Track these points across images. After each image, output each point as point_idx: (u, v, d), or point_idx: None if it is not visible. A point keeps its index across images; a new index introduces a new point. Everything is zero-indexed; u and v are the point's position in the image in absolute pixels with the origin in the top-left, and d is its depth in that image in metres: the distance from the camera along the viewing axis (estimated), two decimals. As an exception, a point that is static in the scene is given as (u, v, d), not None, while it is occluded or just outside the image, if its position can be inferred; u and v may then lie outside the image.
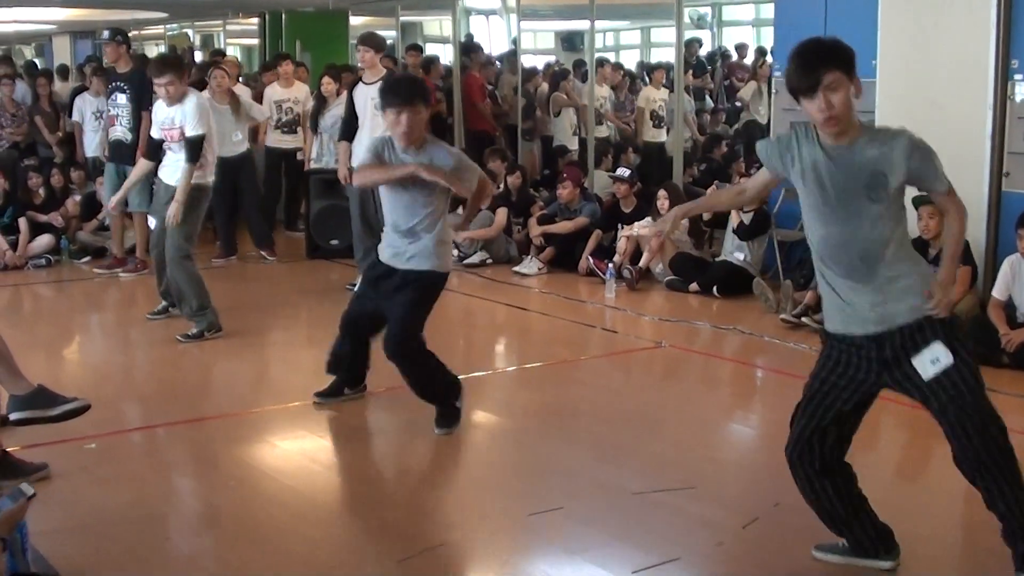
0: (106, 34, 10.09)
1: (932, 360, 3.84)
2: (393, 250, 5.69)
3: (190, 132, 7.58)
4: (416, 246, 5.62)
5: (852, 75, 3.79)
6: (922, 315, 3.81)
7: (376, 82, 9.17)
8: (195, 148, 7.61)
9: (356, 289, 6.45)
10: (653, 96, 13.88)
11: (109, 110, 10.23)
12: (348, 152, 9.26)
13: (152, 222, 8.09)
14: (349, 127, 9.34)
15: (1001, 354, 7.02)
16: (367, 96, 9.06)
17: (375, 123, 9.09)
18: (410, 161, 5.52)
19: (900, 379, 3.92)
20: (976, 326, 7.36)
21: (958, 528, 4.86)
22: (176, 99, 7.63)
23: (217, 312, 7.85)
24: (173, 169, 7.73)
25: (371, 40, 9.42)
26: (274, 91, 12.02)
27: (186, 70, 7.98)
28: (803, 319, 8.07)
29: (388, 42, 17.42)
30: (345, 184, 9.29)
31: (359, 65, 9.59)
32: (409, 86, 5.78)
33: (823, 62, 3.80)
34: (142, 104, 9.74)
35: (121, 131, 10.06)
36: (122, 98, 10.02)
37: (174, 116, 7.65)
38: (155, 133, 7.96)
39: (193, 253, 7.80)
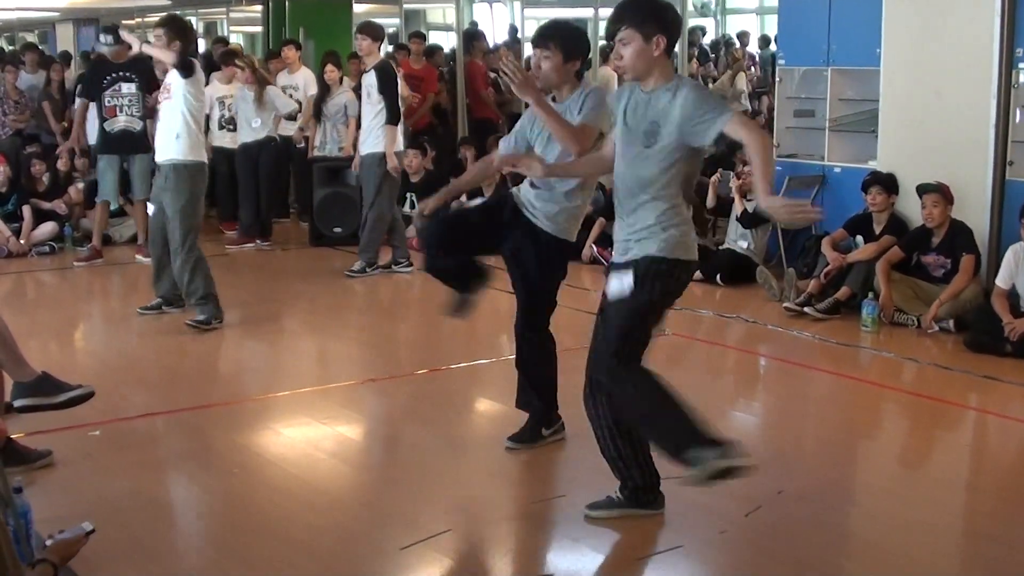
0: (110, 39, 9.89)
1: (617, 281, 4.26)
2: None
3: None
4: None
5: (651, 32, 4.14)
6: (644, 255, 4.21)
7: (369, 70, 9.35)
8: (186, 62, 7.52)
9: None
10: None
11: (108, 101, 10.06)
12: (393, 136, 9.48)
13: (151, 208, 8.07)
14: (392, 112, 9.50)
15: (1004, 343, 7.02)
16: (365, 83, 9.35)
17: (366, 110, 9.43)
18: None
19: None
20: (979, 315, 7.36)
21: (959, 515, 4.86)
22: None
23: (219, 300, 7.84)
24: (164, 148, 7.66)
25: (369, 29, 9.57)
26: (278, 78, 12.01)
27: (186, 34, 7.82)
28: (806, 308, 8.07)
29: (391, 30, 17.43)
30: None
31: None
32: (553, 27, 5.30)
33: (618, 18, 4.24)
34: (150, 89, 9.76)
35: (126, 120, 10.02)
36: (128, 87, 10.00)
37: (170, 81, 7.64)
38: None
39: (197, 240, 7.74)
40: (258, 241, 11.20)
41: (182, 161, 7.52)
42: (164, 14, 8.41)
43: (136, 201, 10.29)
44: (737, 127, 4.07)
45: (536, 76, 5.02)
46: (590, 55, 5.22)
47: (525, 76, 4.86)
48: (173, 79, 7.54)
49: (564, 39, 5.03)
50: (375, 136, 9.41)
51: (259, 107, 10.98)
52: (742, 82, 14.71)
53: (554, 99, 5.06)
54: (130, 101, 10.02)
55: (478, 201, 5.51)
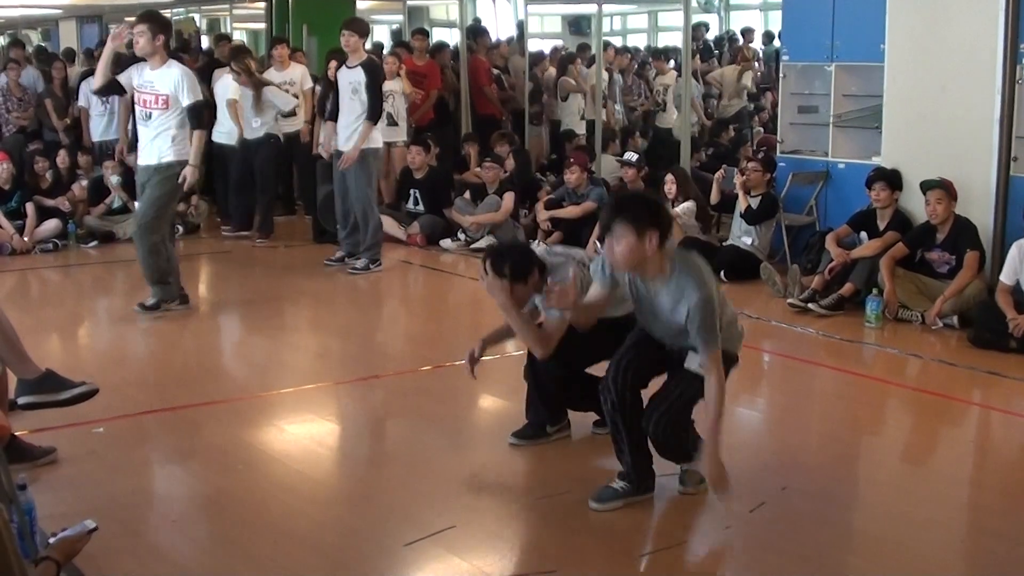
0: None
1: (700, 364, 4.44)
2: None
3: (188, 101, 7.60)
4: None
5: (644, 231, 4.24)
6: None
7: (356, 66, 9.32)
8: (198, 114, 7.67)
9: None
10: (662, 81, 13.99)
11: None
12: (332, 132, 9.70)
13: (137, 206, 8.12)
14: (334, 108, 9.69)
15: (1009, 339, 7.01)
16: (346, 80, 9.30)
17: (351, 106, 9.44)
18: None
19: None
20: (983, 311, 7.35)
21: (963, 511, 4.86)
22: (147, 53, 7.61)
23: (179, 285, 8.00)
24: (151, 149, 7.71)
25: (355, 25, 9.62)
26: (270, 75, 12.02)
27: (167, 31, 7.91)
28: (810, 304, 8.07)
29: (394, 26, 17.44)
30: (329, 162, 9.82)
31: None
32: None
33: (616, 214, 4.31)
34: None
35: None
36: None
37: (153, 79, 7.64)
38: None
39: (161, 227, 7.84)
40: (259, 239, 11.22)
41: (176, 161, 7.67)
42: (144, 9, 8.42)
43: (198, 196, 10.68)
44: (709, 367, 4.35)
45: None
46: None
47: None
48: (169, 92, 7.59)
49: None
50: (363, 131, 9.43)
51: (258, 108, 11.07)
52: (748, 79, 14.69)
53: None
54: None
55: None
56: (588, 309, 4.61)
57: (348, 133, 9.48)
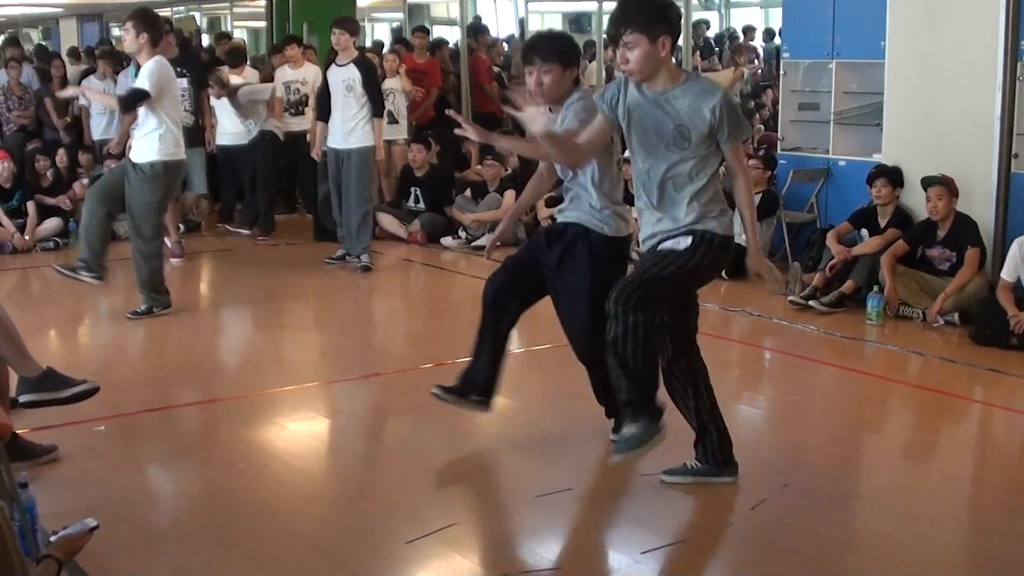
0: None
1: (674, 241, 4.37)
2: None
3: (134, 85, 7.65)
4: None
5: (657, 35, 4.19)
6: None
7: (347, 64, 9.31)
8: (128, 100, 7.66)
9: None
10: None
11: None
12: (324, 132, 9.65)
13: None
14: (324, 107, 9.64)
15: (1010, 336, 7.01)
16: (338, 78, 9.29)
17: (346, 104, 9.37)
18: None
19: None
20: (985, 308, 7.35)
21: (965, 509, 4.86)
22: (133, 51, 7.69)
23: (167, 290, 8.03)
24: (140, 146, 7.70)
25: (346, 23, 9.59)
26: (284, 72, 12.02)
27: (158, 30, 7.89)
28: (811, 301, 8.07)
29: (395, 24, 17.43)
30: (320, 162, 9.88)
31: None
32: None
33: (625, 21, 4.21)
34: (202, 84, 9.94)
35: (184, 116, 10.12)
36: (181, 82, 10.08)
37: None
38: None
39: (154, 230, 7.87)
40: (259, 237, 11.24)
41: (162, 160, 7.64)
42: (136, 7, 8.43)
43: (199, 195, 10.71)
44: (740, 152, 4.41)
45: (539, 92, 4.80)
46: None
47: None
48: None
49: (561, 50, 4.85)
50: (362, 130, 9.41)
51: (244, 112, 11.19)
52: (739, 86, 14.71)
53: (550, 110, 4.85)
54: (183, 96, 10.11)
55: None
56: (588, 142, 4.54)
57: (346, 130, 9.41)
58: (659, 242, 4.41)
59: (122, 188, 7.72)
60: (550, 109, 4.86)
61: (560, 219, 5.03)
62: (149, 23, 7.67)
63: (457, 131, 4.66)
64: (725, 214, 4.43)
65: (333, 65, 9.53)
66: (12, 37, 15.18)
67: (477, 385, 5.19)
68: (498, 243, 5.47)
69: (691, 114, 4.25)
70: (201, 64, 9.75)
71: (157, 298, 7.91)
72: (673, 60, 4.33)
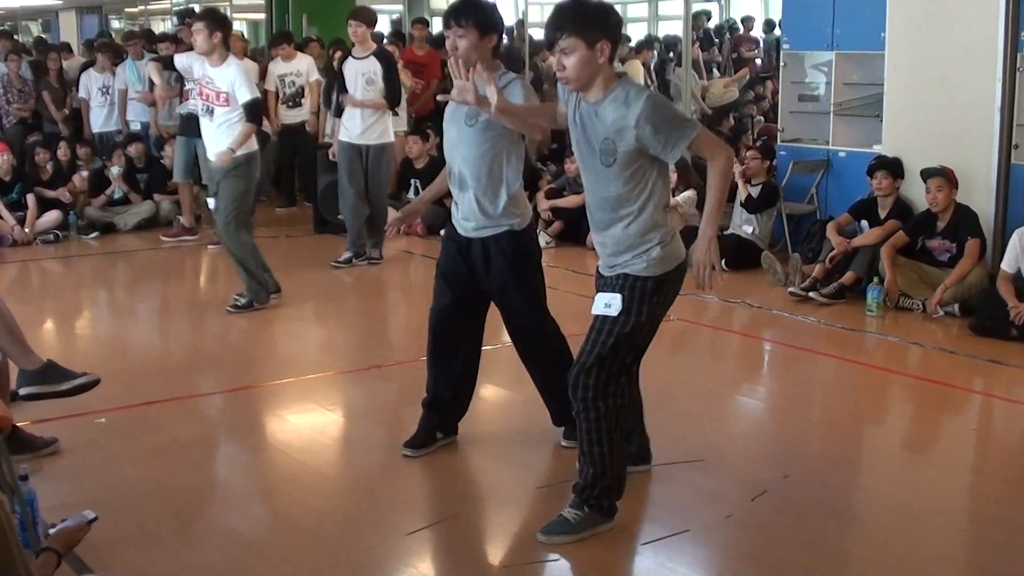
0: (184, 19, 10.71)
1: (605, 304, 4.11)
2: None
3: (246, 97, 7.58)
4: None
5: (595, 40, 3.91)
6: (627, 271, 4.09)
7: (367, 56, 9.25)
8: (254, 110, 7.66)
9: None
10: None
11: (184, 85, 10.22)
12: (338, 127, 9.56)
13: (211, 203, 8.09)
14: (339, 102, 9.55)
15: (1010, 327, 7.01)
16: (357, 71, 9.20)
17: (371, 95, 9.21)
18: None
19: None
20: (985, 299, 7.35)
21: (964, 499, 4.86)
22: (206, 53, 7.60)
23: (268, 284, 8.00)
24: (215, 144, 7.70)
25: (363, 15, 9.49)
26: (276, 66, 12.01)
27: (229, 28, 7.91)
28: (811, 293, 8.06)
29: (395, 16, 17.39)
30: (334, 159, 9.70)
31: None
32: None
33: (560, 26, 3.95)
34: None
35: (193, 104, 10.17)
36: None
37: (213, 76, 7.64)
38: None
39: (246, 221, 7.85)
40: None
41: (244, 154, 7.66)
42: (203, 7, 8.46)
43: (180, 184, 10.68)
44: (702, 145, 4.07)
45: (454, 56, 4.62)
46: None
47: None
48: (230, 90, 7.57)
49: (477, 13, 4.74)
50: (383, 125, 9.37)
51: None
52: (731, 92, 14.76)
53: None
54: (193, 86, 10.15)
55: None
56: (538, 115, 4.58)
57: (366, 124, 9.30)
58: (602, 284, 4.23)
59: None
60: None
61: (462, 232, 4.95)
62: (220, 22, 7.72)
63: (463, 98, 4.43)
64: (667, 242, 4.10)
65: (350, 58, 9.40)
66: (3, 31, 15.13)
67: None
68: (403, 224, 5.53)
69: (616, 126, 3.96)
70: None
71: (259, 290, 7.95)
72: (614, 67, 4.06)
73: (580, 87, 4.02)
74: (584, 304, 4.90)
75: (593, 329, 4.12)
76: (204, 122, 7.80)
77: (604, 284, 4.20)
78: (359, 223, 9.56)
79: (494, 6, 4.95)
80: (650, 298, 4.08)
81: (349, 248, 9.62)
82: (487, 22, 4.75)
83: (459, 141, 4.83)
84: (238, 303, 7.86)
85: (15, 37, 16.35)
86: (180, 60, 8.05)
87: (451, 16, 4.74)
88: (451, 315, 5.04)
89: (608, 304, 4.09)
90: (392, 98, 9.33)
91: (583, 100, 4.06)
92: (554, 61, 4.05)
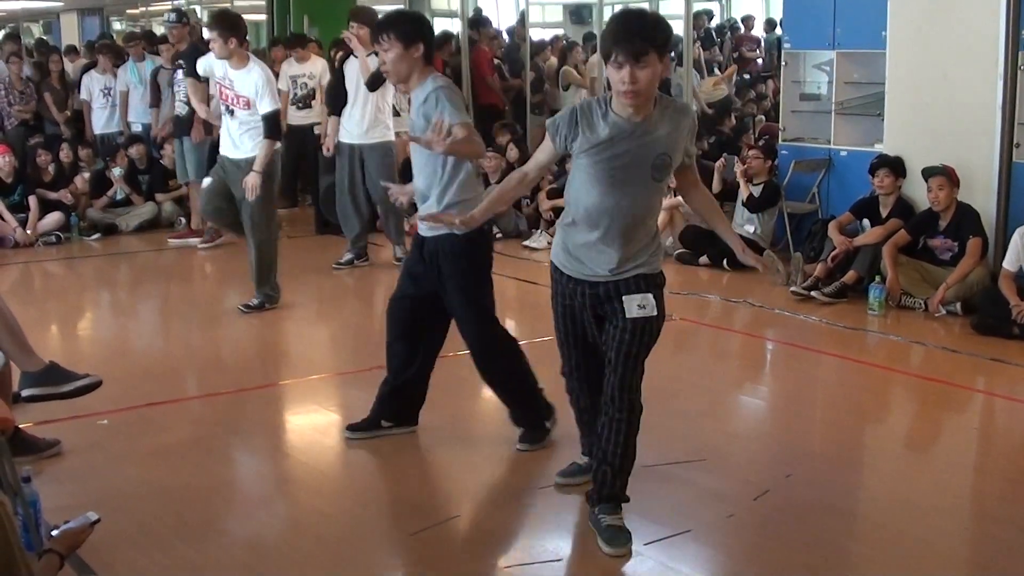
0: (172, 16, 10.72)
1: (640, 305, 4.13)
2: None
3: (266, 109, 7.56)
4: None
5: (664, 55, 3.88)
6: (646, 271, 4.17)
7: (369, 56, 9.21)
8: (273, 124, 7.63)
9: None
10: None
11: (175, 87, 10.40)
12: (336, 125, 9.51)
13: (205, 182, 8.08)
14: (338, 101, 9.51)
15: (1012, 325, 7.01)
16: (358, 70, 9.16)
17: (366, 98, 9.19)
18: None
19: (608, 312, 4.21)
20: (986, 297, 7.35)
21: (967, 498, 4.86)
22: (227, 58, 7.60)
23: (279, 286, 8.04)
24: (240, 143, 7.70)
25: (363, 15, 9.45)
26: (290, 67, 12.02)
27: (243, 31, 7.89)
28: (813, 292, 8.06)
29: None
30: (329, 156, 9.74)
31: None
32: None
33: (642, 37, 3.80)
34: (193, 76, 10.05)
35: (178, 106, 10.35)
36: (179, 73, 10.22)
37: (234, 79, 7.63)
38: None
39: (270, 223, 7.88)
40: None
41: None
42: (216, 10, 8.44)
43: (192, 184, 10.56)
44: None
45: (385, 72, 5.05)
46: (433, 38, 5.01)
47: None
48: (251, 94, 7.57)
49: (399, 25, 4.94)
50: (384, 125, 9.36)
51: None
52: (721, 90, 14.75)
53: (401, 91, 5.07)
54: (179, 87, 10.29)
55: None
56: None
57: (365, 125, 9.28)
58: (610, 289, 4.20)
59: (227, 189, 7.77)
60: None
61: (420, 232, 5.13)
62: (233, 26, 7.70)
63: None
64: (657, 241, 4.30)
65: (352, 57, 9.36)
66: (11, 33, 15.18)
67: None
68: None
69: (672, 139, 4.03)
70: (197, 56, 9.88)
71: (272, 293, 7.98)
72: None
73: (641, 103, 3.88)
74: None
75: (627, 331, 4.13)
76: (224, 119, 7.80)
77: (619, 288, 4.15)
78: (359, 224, 9.54)
79: (419, 16, 5.23)
80: (662, 291, 4.23)
81: (350, 249, 9.61)
82: (410, 32, 4.92)
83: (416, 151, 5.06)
84: (251, 304, 7.86)
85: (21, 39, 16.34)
86: (202, 65, 8.06)
87: (376, 32, 4.99)
88: (405, 306, 5.23)
89: (643, 306, 4.14)
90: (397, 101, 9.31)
91: (617, 121, 3.93)
92: (623, 74, 3.78)
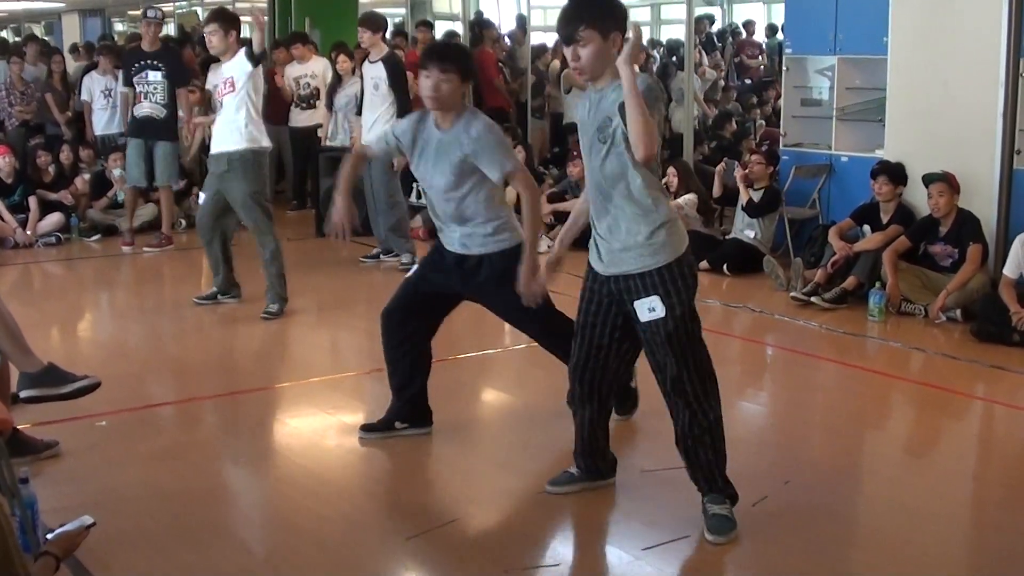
0: (150, 13, 10.58)
1: (649, 308, 4.23)
2: None
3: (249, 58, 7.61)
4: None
5: (608, 32, 4.02)
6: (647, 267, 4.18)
7: (376, 61, 9.27)
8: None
9: None
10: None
11: (137, 88, 10.30)
12: (361, 127, 9.53)
13: (201, 196, 8.09)
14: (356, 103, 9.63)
15: (1012, 332, 7.01)
16: (368, 75, 9.25)
17: (372, 102, 9.29)
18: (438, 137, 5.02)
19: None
20: (987, 304, 7.35)
21: (966, 505, 4.85)
22: (220, 51, 7.67)
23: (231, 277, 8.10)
24: (221, 136, 7.70)
25: (369, 21, 9.53)
26: (292, 68, 12.02)
27: (239, 26, 7.95)
28: (813, 297, 8.06)
29: (397, 19, 17.41)
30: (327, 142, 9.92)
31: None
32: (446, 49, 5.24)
33: (575, 18, 4.05)
34: (179, 82, 10.04)
35: (151, 107, 10.24)
36: (154, 75, 10.17)
37: (224, 71, 7.70)
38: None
39: (273, 224, 7.87)
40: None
41: (250, 148, 7.63)
42: (213, 7, 8.49)
43: (161, 187, 10.57)
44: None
45: (433, 97, 4.88)
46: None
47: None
48: (235, 73, 7.60)
49: (463, 60, 4.96)
50: (385, 127, 9.33)
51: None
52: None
53: (438, 125, 4.95)
54: (154, 89, 10.20)
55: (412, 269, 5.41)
56: None
57: (367, 129, 9.28)
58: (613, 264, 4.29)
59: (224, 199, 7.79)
60: (437, 124, 4.98)
61: (453, 250, 5.12)
62: (232, 20, 7.80)
63: None
64: (667, 227, 4.20)
65: (366, 62, 9.49)
66: (33, 35, 15.21)
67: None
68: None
69: (616, 103, 4.06)
70: (180, 61, 10.01)
71: (282, 300, 7.94)
72: None
73: (592, 78, 4.11)
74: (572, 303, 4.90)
75: (665, 348, 4.42)
76: (217, 120, 7.85)
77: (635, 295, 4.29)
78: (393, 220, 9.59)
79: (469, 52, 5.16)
80: (680, 282, 4.34)
81: (380, 245, 9.80)
82: (468, 69, 4.97)
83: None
84: (271, 310, 7.82)
85: (17, 40, 16.33)
86: (211, 80, 8.12)
87: (435, 59, 4.92)
88: (397, 319, 5.31)
89: (652, 308, 4.31)
90: (399, 105, 9.24)
91: (590, 93, 4.18)
92: (568, 54, 4.10)
